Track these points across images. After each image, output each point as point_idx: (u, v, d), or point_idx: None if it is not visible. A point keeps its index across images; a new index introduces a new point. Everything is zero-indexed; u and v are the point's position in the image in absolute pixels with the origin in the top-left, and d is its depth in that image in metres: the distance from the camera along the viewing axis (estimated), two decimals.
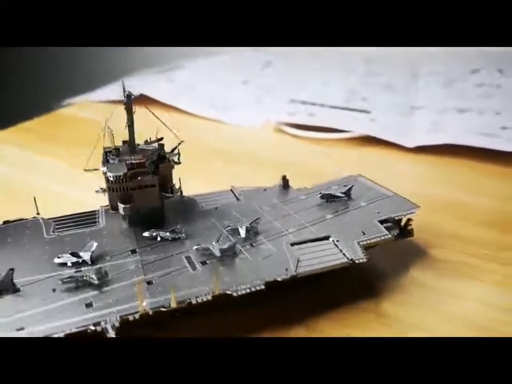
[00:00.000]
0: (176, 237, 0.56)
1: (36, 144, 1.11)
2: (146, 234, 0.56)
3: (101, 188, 0.61)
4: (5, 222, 0.61)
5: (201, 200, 0.67)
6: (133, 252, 0.54)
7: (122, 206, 0.54)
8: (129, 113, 0.56)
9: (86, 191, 0.66)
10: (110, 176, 0.53)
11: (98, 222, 0.61)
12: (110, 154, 0.57)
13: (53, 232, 0.59)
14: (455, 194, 0.85)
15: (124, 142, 0.60)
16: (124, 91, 0.55)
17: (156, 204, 0.57)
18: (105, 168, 0.54)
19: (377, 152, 1.05)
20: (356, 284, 0.60)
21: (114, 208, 0.56)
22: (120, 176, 0.53)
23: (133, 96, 0.56)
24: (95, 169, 0.57)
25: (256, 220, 0.58)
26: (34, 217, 0.62)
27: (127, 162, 0.54)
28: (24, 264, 0.52)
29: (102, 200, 0.63)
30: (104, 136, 0.57)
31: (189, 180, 0.67)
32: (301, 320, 0.54)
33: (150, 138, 0.59)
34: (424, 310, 0.57)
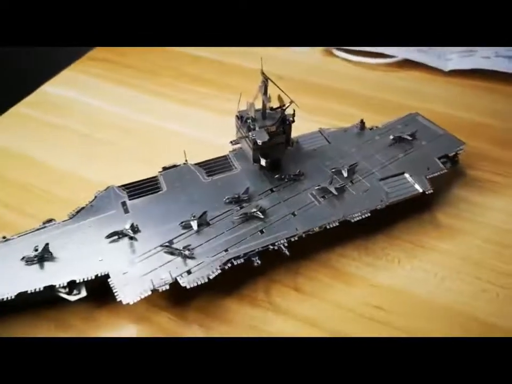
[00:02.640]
0: (297, 178, 0.80)
1: (126, 77, 1.22)
2: (277, 176, 0.79)
3: (234, 141, 0.83)
4: (164, 168, 0.83)
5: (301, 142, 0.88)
6: (271, 190, 0.78)
7: (264, 160, 0.76)
8: (264, 85, 0.73)
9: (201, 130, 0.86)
10: (259, 142, 0.73)
11: (235, 167, 0.83)
12: (245, 120, 0.77)
13: (207, 176, 0.81)
14: (483, 118, 1.07)
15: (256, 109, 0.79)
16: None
17: (282, 155, 0.79)
18: (250, 133, 0.74)
19: (417, 76, 1.22)
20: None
21: (256, 161, 0.78)
22: (265, 142, 0.73)
23: None
24: (245, 136, 0.77)
25: (354, 164, 0.80)
26: (184, 164, 0.84)
27: (266, 129, 0.74)
28: (201, 205, 0.76)
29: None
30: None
31: None
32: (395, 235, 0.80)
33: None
34: (469, 220, 0.82)
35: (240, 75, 1.22)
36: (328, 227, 0.72)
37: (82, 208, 0.76)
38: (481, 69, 1.15)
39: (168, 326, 0.69)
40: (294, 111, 0.78)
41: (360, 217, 0.73)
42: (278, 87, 0.76)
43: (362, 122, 0.90)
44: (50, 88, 1.19)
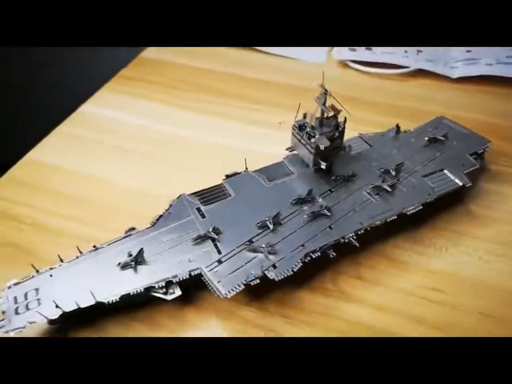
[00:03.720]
0: (350, 179, 0.89)
1: (156, 94, 1.29)
2: (332, 178, 0.88)
3: (289, 148, 0.91)
4: (227, 176, 0.90)
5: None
6: (330, 191, 0.87)
7: (324, 163, 0.84)
8: (325, 96, 0.82)
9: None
10: (322, 147, 0.81)
11: (292, 172, 0.91)
12: (304, 128, 0.85)
13: (268, 181, 0.89)
14: (494, 119, 1.19)
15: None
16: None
17: (336, 158, 0.88)
18: (313, 140, 0.83)
19: (428, 83, 1.34)
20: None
21: (316, 164, 0.86)
22: (327, 147, 0.82)
23: None
24: (307, 143, 0.85)
25: (400, 164, 0.90)
26: (245, 171, 0.92)
27: (325, 135, 0.83)
28: (269, 207, 0.83)
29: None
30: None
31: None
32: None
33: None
34: (500, 210, 0.93)
35: (258, 87, 1.32)
36: (388, 220, 0.81)
37: (161, 216, 0.82)
38: (485, 75, 1.28)
39: (251, 318, 0.76)
40: (345, 118, 0.87)
41: (414, 210, 0.83)
42: (333, 97, 0.84)
43: (398, 126, 1.01)
44: (89, 108, 1.24)
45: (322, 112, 0.84)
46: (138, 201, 0.96)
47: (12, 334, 0.64)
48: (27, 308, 0.68)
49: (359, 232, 0.79)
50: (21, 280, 0.72)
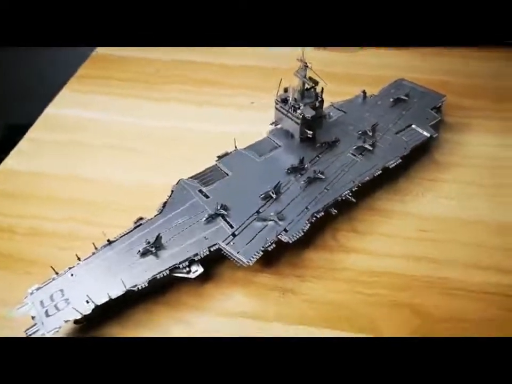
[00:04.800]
0: (334, 144, 0.96)
1: (131, 90, 1.27)
2: (318, 145, 0.94)
3: (273, 122, 0.96)
4: (219, 157, 0.94)
5: None
6: (318, 157, 0.93)
7: (310, 132, 0.91)
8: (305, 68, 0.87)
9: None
10: (308, 116, 0.87)
11: (278, 145, 0.96)
12: (287, 101, 0.91)
13: (259, 156, 0.94)
14: (444, 77, 1.31)
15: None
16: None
17: (321, 127, 0.95)
18: (299, 110, 0.88)
19: (382, 52, 1.43)
20: None
21: (303, 133, 0.92)
22: (313, 116, 0.88)
23: None
24: (293, 114, 0.91)
25: (375, 124, 0.98)
26: (235, 150, 0.96)
27: (309, 105, 0.89)
28: (266, 179, 0.88)
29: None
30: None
31: None
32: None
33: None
34: (460, 156, 1.05)
35: (240, 74, 1.35)
36: (375, 175, 0.89)
37: (165, 202, 0.84)
38: None
39: (267, 282, 0.81)
40: (322, 89, 0.93)
41: (395, 163, 0.92)
42: (312, 70, 0.90)
43: (364, 92, 1.09)
44: (53, 110, 1.21)
45: (303, 84, 0.89)
46: (133, 195, 0.96)
47: (48, 335, 0.65)
48: (57, 309, 0.68)
49: (353, 189, 0.87)
50: (41, 284, 0.72)
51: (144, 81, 1.32)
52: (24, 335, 0.66)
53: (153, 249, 0.75)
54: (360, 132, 0.97)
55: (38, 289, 0.71)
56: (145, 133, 1.14)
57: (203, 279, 0.81)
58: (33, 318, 0.67)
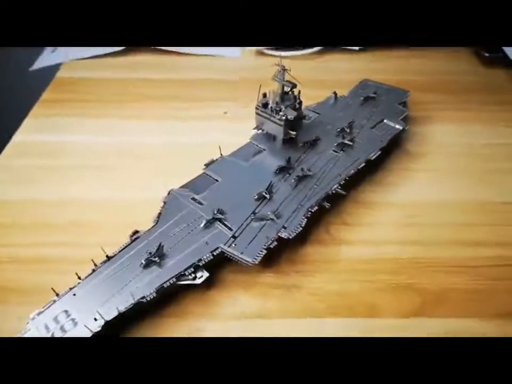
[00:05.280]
0: (315, 143, 0.99)
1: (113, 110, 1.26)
2: (300, 145, 0.98)
3: (256, 127, 0.99)
4: (206, 165, 0.94)
5: None
6: (302, 156, 0.96)
7: (293, 132, 0.94)
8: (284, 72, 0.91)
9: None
10: (290, 117, 0.91)
11: (263, 148, 0.98)
12: (269, 105, 0.93)
13: (245, 161, 0.95)
14: (403, 76, 1.40)
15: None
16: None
17: (301, 128, 0.98)
18: (282, 112, 0.91)
19: (337, 57, 1.51)
20: None
21: (286, 134, 0.95)
22: (295, 116, 0.91)
23: None
24: (274, 117, 0.94)
25: (351, 122, 1.03)
26: (220, 157, 0.97)
27: (290, 107, 0.92)
28: (256, 181, 0.89)
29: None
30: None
31: None
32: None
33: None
34: (429, 144, 1.13)
35: (199, 87, 1.37)
36: (359, 167, 0.93)
37: (160, 213, 0.84)
38: None
39: (271, 281, 0.82)
40: (300, 91, 0.97)
41: (376, 155, 0.97)
42: (289, 73, 0.94)
43: (335, 93, 1.15)
44: (22, 137, 1.16)
45: (283, 88, 0.93)
46: (118, 211, 0.95)
47: None
48: (63, 330, 0.65)
49: (341, 183, 0.90)
50: (43, 308, 0.69)
51: (107, 101, 1.31)
52: None
53: (156, 259, 0.74)
54: (338, 130, 1.02)
55: (39, 313, 0.68)
56: (118, 150, 1.12)
57: (206, 285, 0.80)
58: None
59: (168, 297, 0.77)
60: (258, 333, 0.75)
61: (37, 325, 0.66)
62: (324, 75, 1.40)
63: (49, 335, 0.65)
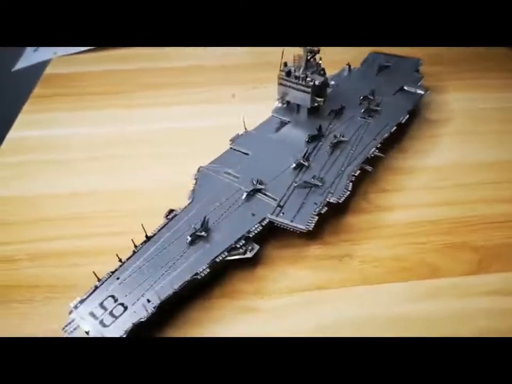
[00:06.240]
0: (341, 111, 0.95)
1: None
2: (327, 115, 0.93)
3: (280, 98, 0.94)
4: (231, 140, 0.89)
5: None
6: (330, 124, 0.92)
7: (321, 99, 0.89)
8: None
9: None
10: (317, 82, 0.86)
11: (287, 120, 0.93)
12: (294, 72, 0.89)
13: (271, 133, 0.90)
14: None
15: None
16: None
17: (326, 95, 0.94)
18: (308, 78, 0.87)
19: None
20: None
21: (313, 101, 0.90)
22: (322, 81, 0.87)
23: None
24: (300, 84, 0.89)
25: (373, 89, 1.00)
26: (245, 131, 0.91)
27: (316, 73, 0.88)
28: (288, 150, 0.85)
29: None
30: None
31: None
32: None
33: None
34: (447, 111, 1.11)
35: (197, 72, 1.32)
36: (392, 131, 0.90)
37: (193, 190, 0.77)
38: None
39: (321, 253, 0.77)
40: (321, 57, 0.93)
41: (405, 119, 0.94)
42: None
43: (349, 65, 1.12)
44: (18, 133, 1.07)
45: (307, 54, 0.88)
46: (142, 199, 0.87)
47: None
48: (114, 316, 0.57)
49: (378, 146, 0.86)
50: (84, 296, 0.60)
51: (103, 93, 1.23)
52: None
53: (203, 233, 0.67)
54: (361, 98, 0.98)
55: (82, 301, 0.59)
56: (124, 140, 1.05)
57: (252, 264, 0.74)
58: (87, 332, 0.56)
59: (216, 277, 0.70)
60: (318, 305, 0.69)
61: (82, 313, 0.58)
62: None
63: (97, 323, 0.57)
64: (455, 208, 0.86)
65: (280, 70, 0.90)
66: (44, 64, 1.38)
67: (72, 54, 1.40)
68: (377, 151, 0.85)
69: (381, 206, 0.86)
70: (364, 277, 0.73)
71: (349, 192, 0.76)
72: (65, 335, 0.56)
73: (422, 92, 1.03)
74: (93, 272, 0.62)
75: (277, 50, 0.92)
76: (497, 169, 0.95)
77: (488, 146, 1.01)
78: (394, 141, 0.98)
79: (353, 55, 1.21)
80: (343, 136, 0.86)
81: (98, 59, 1.38)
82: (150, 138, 1.05)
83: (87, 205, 0.87)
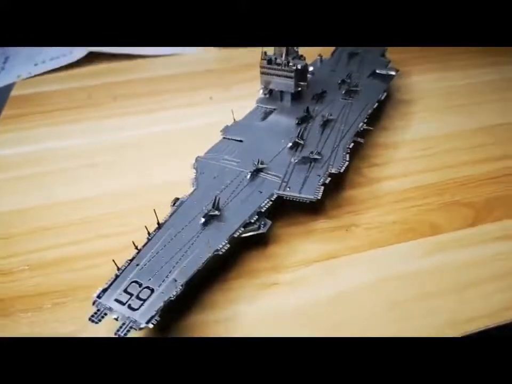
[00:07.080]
0: (323, 94, 0.99)
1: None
2: (311, 98, 0.97)
3: (263, 87, 0.96)
4: (222, 131, 0.90)
5: None
6: (315, 107, 0.95)
7: (304, 83, 0.93)
8: None
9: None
10: (299, 66, 0.90)
11: (272, 109, 0.96)
12: (275, 60, 0.92)
13: (260, 121, 0.92)
14: None
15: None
16: None
17: (307, 79, 0.97)
18: (291, 64, 0.90)
19: None
20: None
21: (297, 86, 0.93)
22: (304, 65, 0.90)
23: None
24: (283, 70, 0.92)
25: (349, 73, 1.05)
26: (234, 122, 0.93)
27: (299, 58, 0.92)
28: (280, 134, 0.87)
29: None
30: None
31: None
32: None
33: None
34: (418, 91, 1.19)
35: (164, 82, 1.33)
36: (374, 107, 0.95)
37: (195, 178, 0.77)
38: None
39: (327, 226, 0.79)
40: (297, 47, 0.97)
41: (383, 96, 0.99)
42: None
43: (320, 56, 1.17)
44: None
45: None
46: (137, 201, 0.86)
47: (150, 326, 0.53)
48: (141, 299, 0.56)
49: (365, 121, 0.90)
50: (106, 285, 0.58)
51: (77, 107, 1.21)
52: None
53: (216, 212, 0.67)
54: (339, 82, 1.03)
55: (104, 290, 0.57)
56: (104, 148, 1.04)
57: (263, 243, 0.75)
58: (116, 319, 0.54)
59: (231, 259, 0.70)
60: (334, 272, 0.71)
61: (106, 301, 0.56)
62: None
63: (125, 308, 0.55)
64: (441, 172, 0.91)
65: (262, 59, 0.93)
66: (8, 88, 1.35)
67: (35, 76, 1.37)
68: (365, 125, 0.89)
69: (374, 178, 0.90)
70: (372, 242, 0.76)
71: (347, 162, 0.79)
72: (93, 325, 0.54)
73: (393, 73, 1.09)
74: (113, 260, 0.60)
75: (244, 53, 0.94)
76: (469, 136, 1.02)
77: (460, 117, 1.09)
78: (375, 120, 1.03)
79: (321, 49, 1.27)
80: (331, 115, 0.90)
81: (63, 79, 1.37)
82: (137, 143, 1.04)
83: (72, 213, 0.84)
